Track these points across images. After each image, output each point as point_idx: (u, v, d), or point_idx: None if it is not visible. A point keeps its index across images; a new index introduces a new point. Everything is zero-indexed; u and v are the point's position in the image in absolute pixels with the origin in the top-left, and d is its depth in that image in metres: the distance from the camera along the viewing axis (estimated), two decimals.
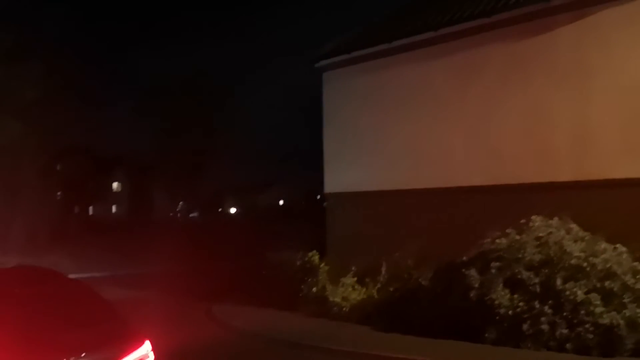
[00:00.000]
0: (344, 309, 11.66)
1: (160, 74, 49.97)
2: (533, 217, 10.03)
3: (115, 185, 67.73)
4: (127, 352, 4.90)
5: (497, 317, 9.04)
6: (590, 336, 8.35)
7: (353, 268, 12.53)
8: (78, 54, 45.23)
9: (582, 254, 9.13)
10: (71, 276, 6.36)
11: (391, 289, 11.57)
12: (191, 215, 73.83)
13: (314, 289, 12.29)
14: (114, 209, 66.35)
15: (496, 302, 9.08)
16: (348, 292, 12.13)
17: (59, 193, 47.09)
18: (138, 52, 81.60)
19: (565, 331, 8.56)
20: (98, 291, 5.86)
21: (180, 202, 62.74)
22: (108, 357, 4.81)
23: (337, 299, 11.87)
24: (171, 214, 60.19)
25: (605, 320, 8.32)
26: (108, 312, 5.42)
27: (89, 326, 5.08)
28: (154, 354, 5.22)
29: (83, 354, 4.67)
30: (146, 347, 5.07)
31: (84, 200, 58.12)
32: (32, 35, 29.71)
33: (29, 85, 28.87)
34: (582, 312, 8.54)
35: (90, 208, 62.90)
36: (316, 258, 12.77)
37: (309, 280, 12.50)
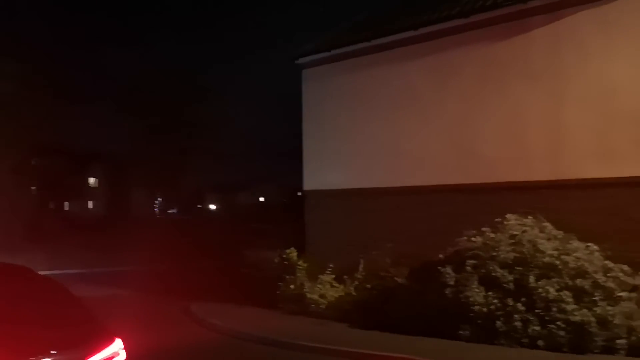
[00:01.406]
0: (322, 306, 11.71)
1: (138, 71, 49.56)
2: (508, 216, 10.18)
3: (91, 180, 66.90)
4: (97, 350, 4.83)
5: (472, 315, 9.17)
6: (562, 333, 8.50)
7: (331, 266, 12.57)
8: (54, 50, 44.67)
9: (555, 252, 9.30)
10: (44, 273, 6.28)
11: (369, 287, 11.65)
12: (170, 211, 73.32)
13: (292, 287, 12.31)
14: (90, 205, 65.51)
15: (471, 299, 9.20)
16: (326, 289, 12.17)
17: (33, 188, 46.42)
18: (116, 48, 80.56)
19: (537, 328, 8.71)
20: (72, 289, 5.78)
21: (159, 199, 62.26)
22: (77, 355, 4.73)
23: (315, 297, 11.91)
24: (149, 211, 59.67)
25: (577, 317, 8.48)
26: (79, 310, 5.35)
27: (59, 324, 5.00)
28: (130, 353, 5.16)
29: (52, 352, 4.60)
30: (117, 345, 5.00)
31: (59, 196, 57.36)
32: (6, 31, 29.25)
33: (2, 81, 28.40)
34: (554, 309, 8.70)
35: (66, 204, 62.07)
36: (294, 255, 12.78)
37: (288, 277, 12.51)
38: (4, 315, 4.82)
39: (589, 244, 9.50)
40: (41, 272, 6.16)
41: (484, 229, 10.14)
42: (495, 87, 11.85)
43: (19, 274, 5.81)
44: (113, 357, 4.94)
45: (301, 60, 15.07)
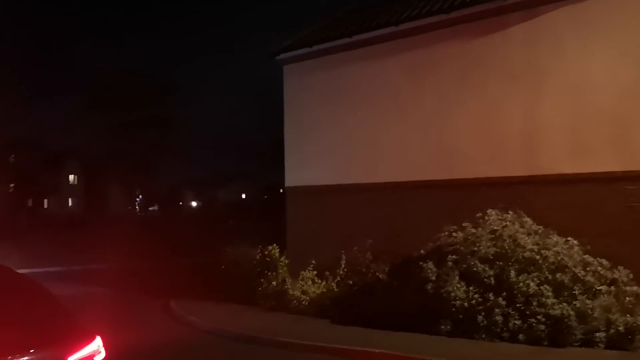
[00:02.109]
0: (304, 302, 11.67)
1: (114, 67, 49.02)
2: (488, 211, 10.24)
3: (71, 178, 66.12)
4: (77, 348, 4.75)
5: (453, 309, 9.19)
6: (542, 327, 8.56)
7: (313, 262, 12.54)
8: (27, 47, 44.01)
9: (535, 247, 9.37)
10: (21, 271, 6.15)
11: (350, 283, 11.64)
12: (151, 209, 72.75)
13: (274, 283, 12.25)
14: (70, 202, 64.78)
15: (452, 294, 9.22)
16: (307, 285, 12.14)
17: (11, 185, 45.72)
18: (90, 44, 79.65)
19: (518, 322, 8.76)
20: (50, 287, 5.68)
21: (139, 196, 61.72)
22: (57, 354, 4.66)
23: (297, 293, 11.87)
24: (129, 208, 59.13)
25: (557, 311, 8.55)
26: (57, 308, 5.25)
27: (37, 322, 4.91)
28: (109, 350, 5.10)
29: (31, 351, 4.52)
30: (97, 343, 4.93)
31: (38, 194, 56.61)
32: None
33: None
34: (535, 303, 8.76)
35: (45, 201, 61.28)
36: (276, 252, 12.72)
37: (269, 274, 12.45)
38: None
39: (569, 238, 9.59)
40: (19, 271, 6.03)
41: (464, 224, 10.19)
42: (472, 84, 11.92)
43: None
44: (94, 355, 4.87)
45: (282, 56, 14.98)
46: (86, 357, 4.80)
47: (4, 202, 37.07)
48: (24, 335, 4.66)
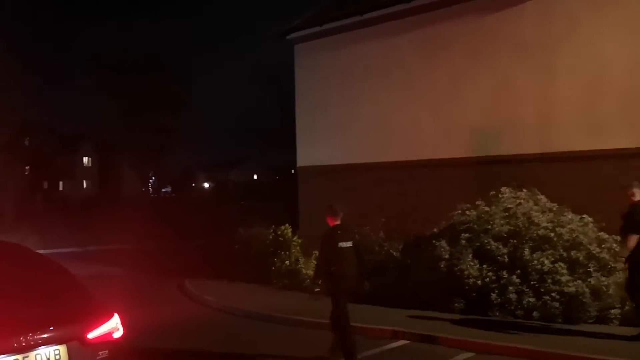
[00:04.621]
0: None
1: (125, 50, 48.80)
2: (502, 189, 10.17)
3: (85, 160, 66.65)
4: (96, 325, 4.83)
5: (466, 287, 9.20)
6: (556, 304, 8.54)
7: None
8: (37, 30, 44.06)
9: (549, 225, 9.31)
10: (38, 252, 6.24)
11: None
12: (164, 190, 73.27)
13: (287, 262, 12.32)
14: (84, 184, 65.37)
15: (465, 272, 9.23)
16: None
17: (27, 168, 46.18)
18: (101, 28, 79.55)
19: (532, 300, 8.75)
20: (66, 267, 5.76)
21: (152, 178, 62.12)
22: (76, 331, 4.74)
23: (310, 272, 11.90)
24: (143, 190, 59.57)
25: (571, 288, 8.52)
26: (75, 287, 5.33)
27: (56, 300, 4.98)
28: (127, 328, 5.18)
29: (50, 328, 4.60)
30: (115, 320, 5.01)
31: (53, 176, 57.16)
32: None
33: None
34: (549, 281, 8.73)
35: (60, 184, 61.90)
36: (289, 231, 12.77)
37: (282, 253, 12.51)
38: (2, 293, 4.80)
39: (584, 215, 9.52)
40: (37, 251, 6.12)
41: (477, 202, 10.15)
42: (484, 61, 11.78)
43: (16, 251, 5.77)
44: (112, 332, 4.95)
45: (292, 36, 14.91)
46: (105, 334, 4.88)
47: (20, 185, 37.47)
48: (44, 313, 4.74)
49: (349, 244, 7.18)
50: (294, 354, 7.88)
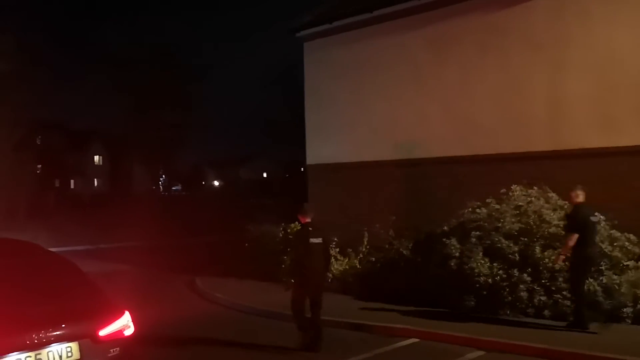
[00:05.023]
0: (327, 279, 11.70)
1: (135, 47, 48.82)
2: (513, 187, 10.12)
3: (96, 158, 67.04)
4: (107, 323, 4.88)
5: (477, 286, 9.15)
6: (568, 302, 8.49)
7: (335, 239, 12.53)
8: (48, 28, 44.24)
9: (561, 223, 9.23)
10: (50, 250, 6.29)
11: (373, 259, 11.64)
12: (174, 188, 73.61)
13: None
14: (95, 182, 65.77)
15: (476, 270, 9.17)
16: (330, 262, 12.16)
17: (39, 167, 46.48)
18: (112, 24, 79.92)
19: (543, 298, 8.71)
20: (77, 264, 5.80)
21: (163, 176, 62.41)
22: (87, 328, 4.78)
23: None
24: (154, 187, 59.85)
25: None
26: (87, 284, 5.38)
27: (68, 298, 5.04)
28: (137, 325, 5.22)
29: (62, 325, 4.65)
30: (126, 318, 5.06)
31: (64, 174, 57.53)
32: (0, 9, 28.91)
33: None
34: (560, 279, 8.68)
35: (72, 182, 62.30)
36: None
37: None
38: (15, 290, 4.85)
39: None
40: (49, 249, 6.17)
41: (488, 200, 10.09)
42: (495, 57, 11.69)
43: (28, 249, 5.83)
44: (123, 329, 4.99)
45: (302, 33, 14.88)
46: (116, 331, 4.92)
47: (32, 182, 37.73)
48: (56, 310, 4.79)
49: (319, 240, 7.87)
50: (304, 351, 7.88)
